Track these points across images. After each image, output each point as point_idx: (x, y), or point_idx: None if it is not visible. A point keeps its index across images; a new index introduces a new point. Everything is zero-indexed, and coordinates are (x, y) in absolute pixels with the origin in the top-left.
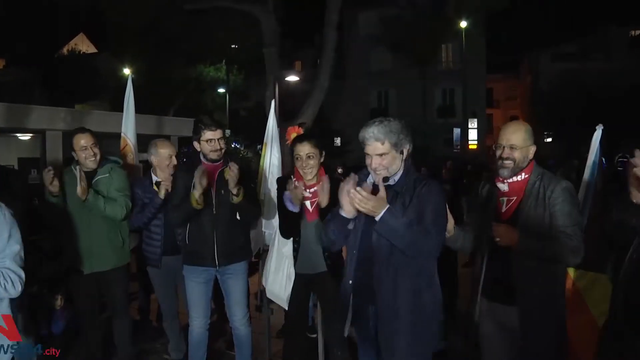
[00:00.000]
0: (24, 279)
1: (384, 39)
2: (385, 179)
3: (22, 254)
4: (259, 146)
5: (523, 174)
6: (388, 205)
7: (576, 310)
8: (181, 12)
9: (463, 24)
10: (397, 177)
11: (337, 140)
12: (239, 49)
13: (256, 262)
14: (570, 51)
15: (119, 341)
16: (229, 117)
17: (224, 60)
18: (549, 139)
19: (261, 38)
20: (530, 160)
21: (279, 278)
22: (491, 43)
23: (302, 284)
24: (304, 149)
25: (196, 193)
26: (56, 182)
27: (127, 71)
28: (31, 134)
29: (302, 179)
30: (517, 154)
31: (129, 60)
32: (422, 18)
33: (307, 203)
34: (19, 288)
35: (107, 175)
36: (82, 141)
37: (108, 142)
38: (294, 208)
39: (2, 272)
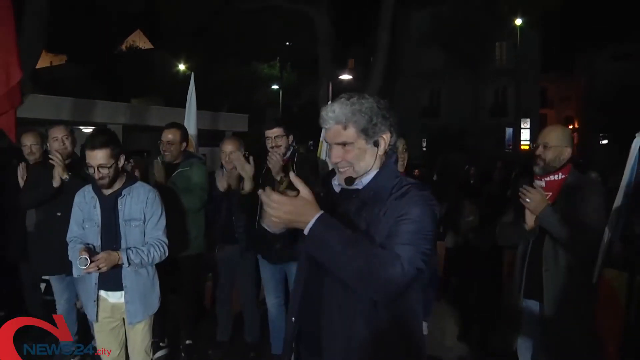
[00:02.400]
0: (167, 250)
1: (437, 38)
2: (350, 181)
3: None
4: (310, 142)
5: (560, 173)
6: (320, 213)
7: (611, 310)
8: (236, 11)
9: (518, 22)
10: (366, 179)
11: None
12: (292, 47)
13: None
14: (628, 51)
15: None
16: (282, 114)
17: (277, 58)
18: (605, 141)
19: (314, 36)
20: (567, 161)
21: None
22: (546, 41)
23: None
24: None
25: (247, 184)
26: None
27: (182, 67)
28: (93, 127)
29: None
30: (549, 153)
31: (184, 56)
32: (476, 16)
33: None
34: (167, 255)
35: (188, 169)
36: (170, 136)
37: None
38: None
39: (157, 243)
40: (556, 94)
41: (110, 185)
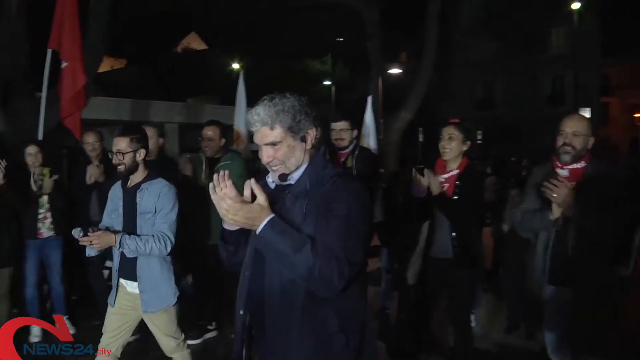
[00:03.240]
0: (173, 243)
1: (489, 26)
2: (283, 177)
3: (176, 225)
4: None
5: (582, 162)
6: (271, 216)
7: None
8: (286, 8)
9: (575, 5)
10: (297, 174)
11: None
12: (344, 42)
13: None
14: None
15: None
16: (335, 109)
17: (329, 54)
18: None
19: (364, 30)
20: (588, 150)
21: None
22: (605, 24)
23: (433, 267)
24: (448, 130)
25: None
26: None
27: (236, 66)
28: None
29: (441, 168)
30: (578, 142)
31: (237, 55)
32: (529, 1)
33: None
34: (169, 250)
35: (229, 162)
36: (210, 132)
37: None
38: (419, 194)
39: (159, 235)
40: (619, 80)
41: (127, 173)
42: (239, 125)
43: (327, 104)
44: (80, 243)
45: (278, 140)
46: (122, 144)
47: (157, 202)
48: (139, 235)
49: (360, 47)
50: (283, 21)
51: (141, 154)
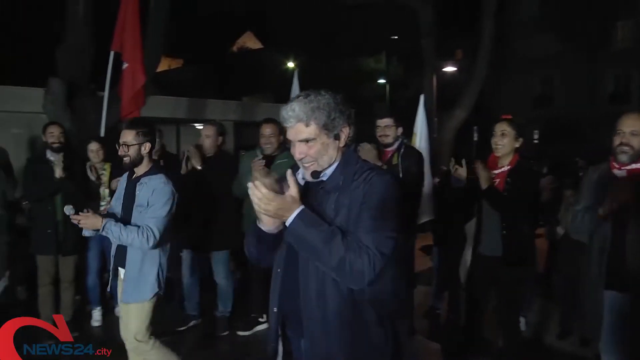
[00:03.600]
0: (157, 239)
1: (549, 21)
2: (316, 174)
3: (166, 222)
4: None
5: None
6: (301, 207)
7: None
8: (341, 7)
9: None
10: (329, 171)
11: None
12: (398, 40)
13: None
14: None
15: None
16: (389, 107)
17: (383, 52)
18: None
19: (419, 28)
20: None
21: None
22: None
23: (482, 265)
24: (500, 126)
25: None
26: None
27: (290, 65)
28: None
29: (493, 164)
30: (637, 141)
31: (291, 54)
32: None
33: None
34: (150, 245)
35: (286, 160)
36: (268, 130)
37: None
38: (458, 183)
39: (143, 227)
40: None
41: (131, 166)
42: None
43: (382, 103)
44: (71, 220)
45: (312, 137)
46: (128, 136)
47: (151, 197)
48: (126, 225)
49: (414, 45)
50: (338, 20)
51: (146, 148)
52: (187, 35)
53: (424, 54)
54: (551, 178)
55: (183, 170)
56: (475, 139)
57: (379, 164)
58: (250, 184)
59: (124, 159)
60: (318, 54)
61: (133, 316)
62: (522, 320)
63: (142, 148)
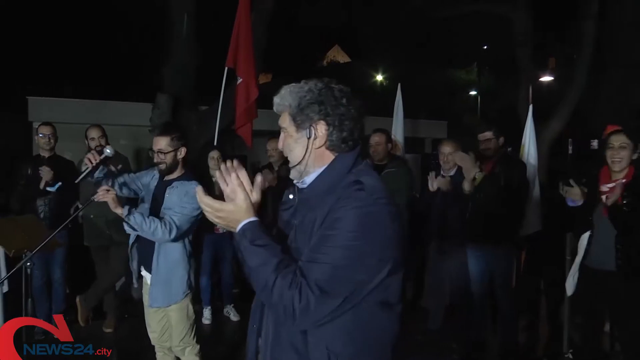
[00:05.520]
0: (179, 232)
1: None
2: (294, 175)
3: (192, 222)
4: (509, 148)
5: None
6: (248, 220)
7: None
8: (430, 18)
9: None
10: (309, 179)
11: (594, 143)
12: (489, 50)
13: None
14: None
15: None
16: (480, 119)
17: (475, 63)
18: None
19: (512, 37)
20: None
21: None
22: None
23: (590, 278)
24: (618, 138)
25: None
26: None
27: (379, 77)
28: None
29: (606, 178)
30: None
31: (380, 67)
32: None
33: (603, 197)
34: (172, 236)
35: (394, 170)
36: (377, 138)
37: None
38: (573, 203)
39: (167, 220)
40: None
41: (166, 172)
42: (396, 135)
43: (474, 114)
44: (99, 190)
45: (283, 126)
46: (162, 143)
47: (183, 198)
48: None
49: (506, 55)
50: (426, 32)
51: (182, 152)
52: (275, 50)
53: (519, 64)
54: None
55: (271, 181)
56: (570, 152)
57: (474, 172)
58: (198, 189)
59: (159, 166)
60: (407, 67)
61: (173, 321)
62: None
63: (178, 153)
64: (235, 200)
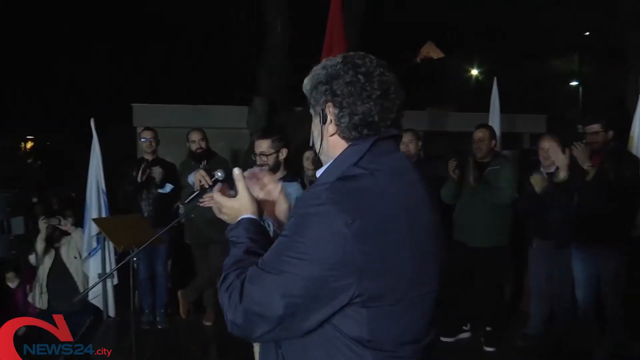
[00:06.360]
0: None
1: None
2: (318, 165)
3: None
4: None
5: None
6: (243, 217)
7: None
8: (525, 7)
9: None
10: (320, 171)
11: None
12: (591, 37)
13: None
14: None
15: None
16: (583, 111)
17: (576, 52)
18: None
19: (619, 18)
20: None
21: None
22: None
23: None
24: None
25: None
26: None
27: (474, 72)
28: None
29: None
30: None
31: (475, 61)
32: None
33: None
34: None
35: (498, 167)
36: (480, 134)
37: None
38: None
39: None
40: None
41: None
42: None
43: (575, 106)
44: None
45: (311, 114)
46: (264, 145)
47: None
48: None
49: (609, 42)
50: (522, 22)
51: (283, 153)
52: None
53: (626, 50)
54: None
55: None
56: None
57: (587, 165)
58: (216, 188)
59: (262, 168)
60: (503, 59)
61: None
62: None
63: (280, 154)
64: (239, 196)
